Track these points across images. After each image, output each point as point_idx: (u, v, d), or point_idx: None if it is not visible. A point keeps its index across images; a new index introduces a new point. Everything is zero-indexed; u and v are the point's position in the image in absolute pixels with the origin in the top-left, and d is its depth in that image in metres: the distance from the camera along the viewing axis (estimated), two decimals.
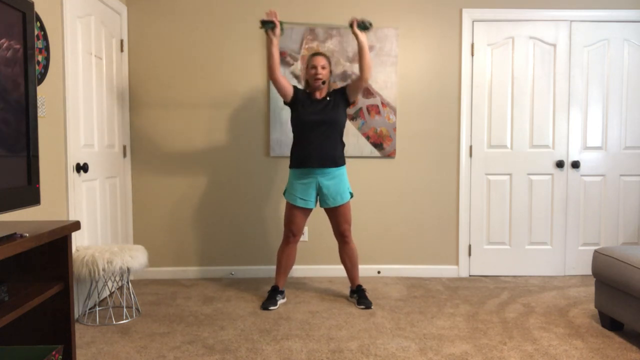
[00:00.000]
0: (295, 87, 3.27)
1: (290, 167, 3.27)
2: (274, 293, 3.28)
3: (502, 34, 3.96)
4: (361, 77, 3.18)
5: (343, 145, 3.28)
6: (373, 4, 3.91)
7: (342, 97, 3.26)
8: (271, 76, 3.17)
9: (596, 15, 3.94)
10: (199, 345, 2.61)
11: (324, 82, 3.22)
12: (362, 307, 3.22)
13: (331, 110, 3.20)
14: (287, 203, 3.26)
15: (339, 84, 3.88)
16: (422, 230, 4.03)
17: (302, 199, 3.21)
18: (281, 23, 3.10)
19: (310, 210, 3.27)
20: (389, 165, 3.99)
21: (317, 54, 3.27)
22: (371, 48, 3.88)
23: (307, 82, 3.31)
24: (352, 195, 3.28)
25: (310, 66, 3.23)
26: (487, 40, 3.96)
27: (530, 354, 2.50)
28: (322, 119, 3.17)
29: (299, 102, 3.23)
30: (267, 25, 3.09)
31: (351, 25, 3.14)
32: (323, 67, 3.21)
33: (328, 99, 3.24)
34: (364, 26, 3.13)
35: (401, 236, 4.03)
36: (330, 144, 3.18)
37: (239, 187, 3.96)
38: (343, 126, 3.26)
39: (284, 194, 3.31)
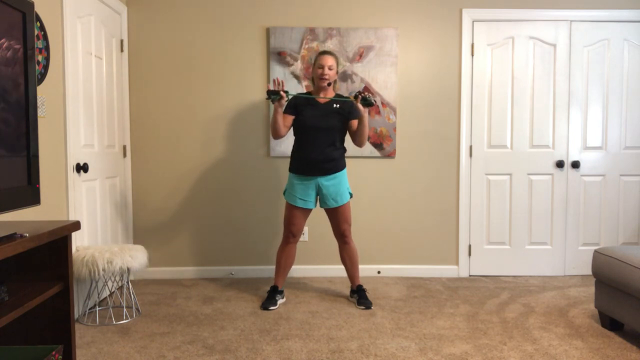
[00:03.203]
0: (293, 99, 3.24)
1: (290, 171, 3.27)
2: (274, 293, 3.28)
3: (502, 34, 3.96)
4: (354, 142, 3.23)
5: (344, 150, 3.28)
6: (373, 4, 3.92)
7: (348, 112, 3.22)
8: (276, 136, 3.19)
9: (596, 15, 3.94)
10: (199, 345, 2.61)
11: (329, 84, 3.21)
12: (362, 307, 3.22)
13: (333, 118, 3.18)
14: (287, 203, 3.26)
15: (339, 84, 3.88)
16: (422, 230, 4.03)
17: (302, 199, 3.21)
18: (287, 93, 3.07)
19: (310, 210, 3.27)
20: (389, 165, 3.99)
21: (325, 52, 3.23)
22: (371, 48, 3.89)
23: (312, 80, 3.31)
24: (351, 196, 3.29)
25: (317, 65, 3.20)
26: (487, 40, 3.96)
27: (530, 354, 2.50)
28: (324, 126, 3.15)
29: (301, 109, 3.21)
30: (274, 96, 3.06)
31: (355, 98, 3.08)
32: (330, 68, 3.18)
33: (335, 106, 3.21)
34: (369, 102, 3.04)
35: (401, 236, 4.03)
36: (331, 150, 3.18)
37: (239, 187, 3.96)
38: (344, 134, 3.27)
39: (283, 193, 3.31)
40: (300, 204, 3.21)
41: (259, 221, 3.99)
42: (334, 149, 3.19)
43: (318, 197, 3.27)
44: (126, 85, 3.83)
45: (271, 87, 3.09)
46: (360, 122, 3.13)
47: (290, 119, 3.23)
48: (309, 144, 3.17)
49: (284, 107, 3.14)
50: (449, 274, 4.04)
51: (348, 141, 3.91)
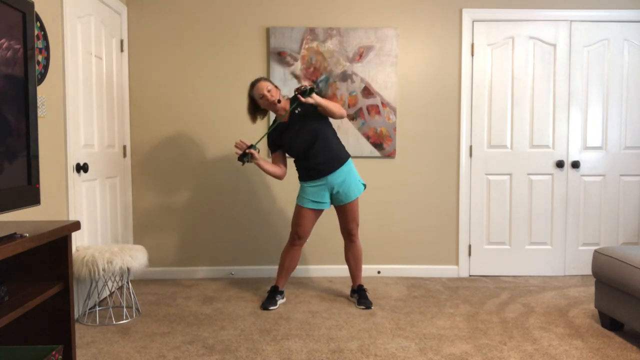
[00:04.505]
0: (270, 140, 3.24)
1: (301, 180, 3.25)
2: (274, 293, 3.28)
3: (502, 34, 3.96)
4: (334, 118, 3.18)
5: (338, 138, 3.25)
6: (373, 4, 3.92)
7: (310, 108, 3.15)
8: (282, 179, 3.26)
9: (596, 15, 3.94)
10: (199, 345, 2.61)
11: (279, 101, 3.16)
12: (362, 307, 3.22)
13: (309, 122, 3.14)
14: (297, 205, 3.24)
15: (339, 84, 3.88)
16: (422, 230, 4.03)
17: (314, 201, 3.19)
18: (253, 147, 3.08)
19: (320, 212, 3.25)
20: (389, 165, 3.99)
21: (254, 83, 3.18)
22: (371, 48, 3.89)
23: (262, 111, 3.27)
24: (365, 186, 3.28)
25: (257, 97, 3.16)
26: (487, 40, 3.96)
27: (530, 354, 2.50)
28: (309, 136, 3.13)
29: (280, 138, 3.20)
30: (245, 158, 3.08)
31: (295, 98, 3.04)
32: (268, 90, 3.14)
33: (296, 111, 3.18)
34: (304, 90, 2.98)
35: (401, 236, 4.03)
36: (328, 148, 3.16)
37: (239, 187, 3.96)
38: (329, 124, 3.22)
39: (297, 200, 3.28)
40: (310, 205, 3.19)
41: (259, 221, 3.99)
42: (329, 146, 3.17)
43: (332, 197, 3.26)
44: (126, 85, 3.83)
45: (239, 152, 3.09)
46: (321, 109, 3.07)
47: (280, 155, 3.25)
48: (306, 156, 3.17)
49: (260, 158, 3.12)
50: (449, 274, 4.04)
51: (347, 139, 3.91)
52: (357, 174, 3.28)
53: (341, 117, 3.15)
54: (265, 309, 3.18)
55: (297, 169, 3.28)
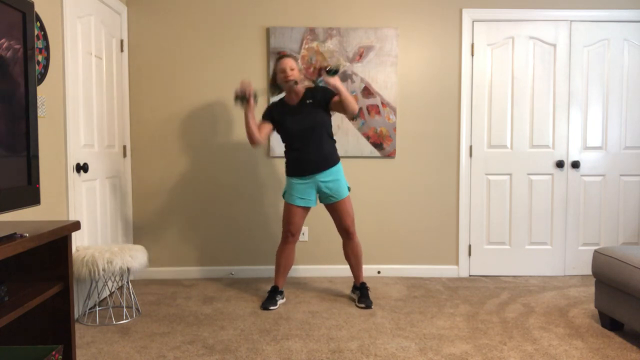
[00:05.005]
0: (269, 111, 3.26)
1: (287, 175, 3.27)
2: (274, 293, 3.28)
3: (502, 34, 3.96)
4: (346, 115, 3.16)
5: (334, 142, 3.27)
6: (373, 4, 3.91)
7: (322, 99, 3.19)
8: (252, 143, 3.17)
9: (596, 15, 3.94)
10: (199, 345, 2.61)
11: (296, 82, 3.17)
12: (362, 305, 3.22)
13: (314, 114, 3.16)
14: (285, 203, 3.27)
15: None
16: (422, 230, 4.03)
17: (301, 198, 3.22)
18: (255, 97, 3.07)
19: (308, 209, 3.28)
20: (389, 165, 3.99)
21: (282, 57, 3.22)
22: (371, 48, 3.89)
23: (279, 87, 3.28)
24: (349, 189, 3.29)
25: (279, 70, 3.19)
26: (487, 40, 3.96)
27: (530, 354, 2.50)
28: (308, 126, 3.15)
29: (280, 117, 3.22)
30: (240, 100, 3.07)
31: (320, 75, 3.06)
32: (292, 69, 3.15)
33: (308, 102, 3.20)
34: (333, 71, 2.98)
35: (401, 236, 4.03)
36: (322, 146, 3.17)
37: (239, 187, 3.96)
38: (330, 125, 3.25)
39: (283, 195, 3.31)
40: (299, 202, 3.22)
41: (259, 221, 3.99)
42: (323, 145, 3.18)
43: (318, 195, 3.27)
44: (126, 85, 3.83)
45: (239, 91, 3.08)
46: (340, 96, 3.06)
47: (268, 127, 3.23)
48: (299, 146, 3.18)
49: (253, 110, 3.12)
50: (449, 274, 4.04)
51: (347, 139, 3.91)
52: (344, 178, 3.27)
53: (353, 112, 3.10)
54: (266, 308, 3.18)
55: (286, 161, 3.28)
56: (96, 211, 3.33)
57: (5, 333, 2.03)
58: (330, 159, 3.20)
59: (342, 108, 3.11)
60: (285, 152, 3.28)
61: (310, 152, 3.17)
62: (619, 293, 2.69)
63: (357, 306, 3.24)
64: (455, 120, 3.99)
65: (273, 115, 3.25)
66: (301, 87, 3.23)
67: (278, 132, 3.28)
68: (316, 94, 3.21)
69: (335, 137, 3.78)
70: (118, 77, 3.70)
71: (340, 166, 3.27)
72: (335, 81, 3.00)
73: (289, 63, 3.17)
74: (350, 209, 3.27)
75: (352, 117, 3.19)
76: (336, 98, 3.13)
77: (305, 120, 3.16)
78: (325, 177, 3.20)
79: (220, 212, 3.97)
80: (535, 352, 2.52)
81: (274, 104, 3.29)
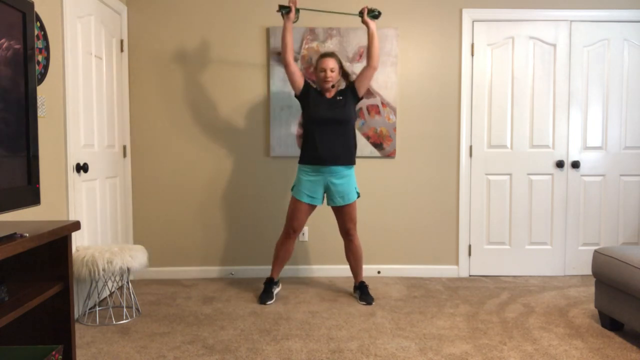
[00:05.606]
0: (307, 82, 3.31)
1: (300, 162, 3.28)
2: (269, 285, 3.33)
3: (502, 34, 3.96)
4: (370, 64, 3.23)
5: (355, 145, 3.31)
6: (373, 4, 3.91)
7: (351, 94, 3.28)
8: (283, 61, 3.24)
9: (596, 15, 3.94)
10: (199, 345, 2.61)
11: (333, 86, 3.25)
12: (364, 302, 3.25)
13: (342, 108, 3.22)
14: (292, 198, 3.28)
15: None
16: (422, 230, 4.03)
17: (309, 195, 3.24)
18: (297, 10, 3.22)
19: (314, 207, 3.29)
20: (389, 165, 3.99)
21: (326, 55, 3.28)
22: None
23: (315, 82, 3.35)
24: (358, 195, 3.31)
25: (319, 69, 3.25)
26: (487, 40, 3.96)
27: (530, 354, 2.50)
28: (333, 117, 3.19)
29: (310, 98, 3.25)
30: (283, 9, 3.21)
31: (361, 14, 3.22)
32: (332, 70, 3.22)
33: (339, 98, 3.26)
34: (374, 14, 3.24)
35: (401, 236, 4.03)
36: (342, 142, 3.20)
37: (239, 187, 3.96)
38: (354, 125, 3.30)
39: (291, 189, 3.33)
40: (306, 199, 3.23)
41: (259, 221, 3.99)
42: (343, 142, 3.21)
43: (325, 195, 3.28)
44: (126, 85, 3.83)
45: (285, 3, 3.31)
46: (371, 38, 3.21)
47: (301, 76, 3.28)
48: (318, 136, 3.19)
49: (291, 23, 3.20)
50: (449, 274, 4.03)
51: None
52: (355, 182, 3.33)
53: (374, 67, 3.24)
54: (263, 303, 3.21)
55: (302, 147, 3.29)
56: (96, 211, 3.32)
57: (5, 333, 2.03)
58: (350, 155, 3.24)
59: (367, 54, 3.24)
60: (305, 138, 3.28)
61: (327, 144, 3.18)
62: (619, 293, 2.69)
63: (360, 303, 3.25)
64: (455, 120, 3.99)
65: (309, 89, 3.29)
66: (335, 92, 3.30)
67: (302, 115, 3.32)
68: (345, 93, 3.28)
69: None
70: (118, 77, 3.70)
71: (353, 170, 3.31)
72: (372, 23, 3.21)
73: (329, 64, 3.22)
74: (355, 213, 3.32)
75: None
76: (359, 75, 3.28)
77: (332, 112, 3.20)
78: (335, 176, 3.21)
79: (220, 212, 3.97)
80: (535, 352, 2.52)
81: (312, 85, 3.35)
